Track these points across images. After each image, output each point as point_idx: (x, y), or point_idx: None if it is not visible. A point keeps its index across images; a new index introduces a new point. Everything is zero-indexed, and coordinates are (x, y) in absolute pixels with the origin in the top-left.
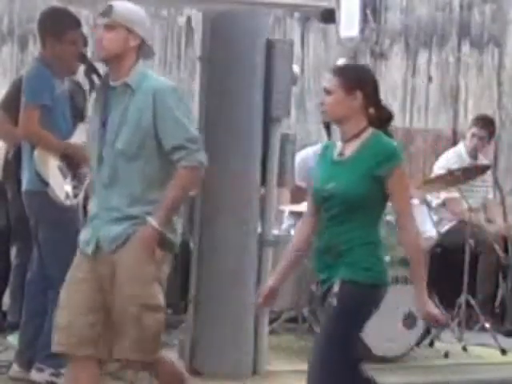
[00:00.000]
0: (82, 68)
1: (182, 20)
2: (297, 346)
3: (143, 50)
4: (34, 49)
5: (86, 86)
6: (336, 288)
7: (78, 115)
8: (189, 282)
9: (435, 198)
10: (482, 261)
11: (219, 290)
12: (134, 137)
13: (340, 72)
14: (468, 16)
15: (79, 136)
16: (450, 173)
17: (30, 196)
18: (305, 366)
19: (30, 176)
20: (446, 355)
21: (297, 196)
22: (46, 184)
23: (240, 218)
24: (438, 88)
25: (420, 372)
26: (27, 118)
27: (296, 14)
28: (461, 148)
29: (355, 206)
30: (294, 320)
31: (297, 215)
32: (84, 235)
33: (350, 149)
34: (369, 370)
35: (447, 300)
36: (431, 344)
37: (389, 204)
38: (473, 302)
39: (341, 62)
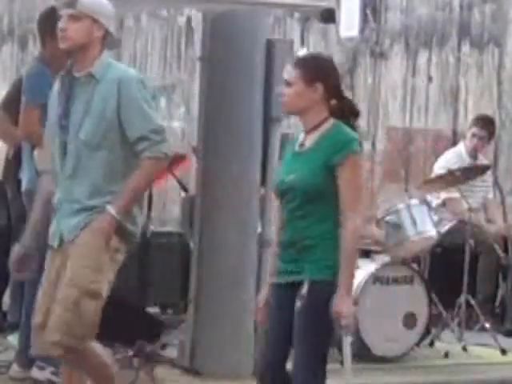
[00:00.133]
0: None
1: (181, 20)
2: None
3: (107, 40)
4: (34, 49)
5: None
6: (304, 290)
7: None
8: (189, 281)
9: (435, 198)
10: (482, 261)
11: (219, 290)
12: (97, 127)
13: (300, 63)
14: (468, 16)
15: None
16: (450, 173)
17: (30, 196)
18: None
19: (30, 176)
20: (446, 355)
21: None
22: None
23: (240, 218)
24: (437, 88)
25: (420, 372)
26: (27, 118)
27: (296, 14)
28: (461, 148)
29: (314, 198)
30: None
31: None
32: (51, 229)
33: (310, 140)
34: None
35: (447, 300)
36: (431, 344)
37: (389, 203)
38: (473, 301)
39: (301, 52)
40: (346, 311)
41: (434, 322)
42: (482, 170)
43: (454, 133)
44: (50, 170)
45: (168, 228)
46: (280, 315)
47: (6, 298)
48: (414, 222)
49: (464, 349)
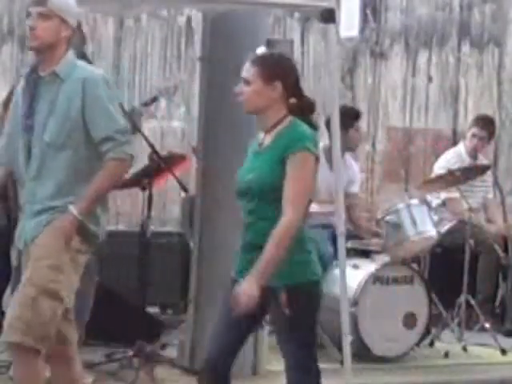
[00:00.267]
0: None
1: (181, 20)
2: None
3: (72, 40)
4: None
5: None
6: (283, 297)
7: None
8: (189, 281)
9: (435, 198)
10: (482, 261)
11: (219, 290)
12: (61, 127)
13: (259, 62)
14: (468, 16)
15: None
16: (450, 173)
17: None
18: None
19: None
20: (446, 355)
21: None
22: None
23: (240, 218)
24: (437, 88)
25: (420, 372)
26: None
27: (296, 14)
28: (461, 148)
29: (273, 197)
30: None
31: None
32: (17, 232)
33: (269, 139)
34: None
35: (447, 300)
36: (431, 344)
37: (389, 203)
38: (473, 301)
39: (260, 51)
40: (248, 292)
41: (434, 322)
42: (482, 170)
43: (454, 133)
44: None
45: (168, 228)
46: (241, 317)
47: (7, 298)
48: (414, 222)
49: (464, 349)
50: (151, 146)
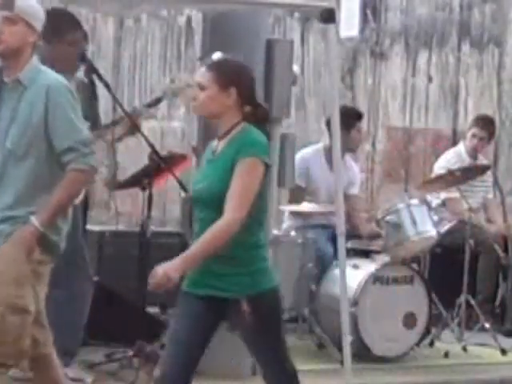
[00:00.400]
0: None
1: (181, 20)
2: (297, 345)
3: (37, 45)
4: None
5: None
6: (245, 307)
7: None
8: None
9: (435, 198)
10: (482, 261)
11: None
12: (23, 134)
13: (215, 67)
14: (468, 16)
15: None
16: (450, 173)
17: None
18: (305, 366)
19: None
20: (446, 355)
21: (297, 196)
22: None
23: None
24: (437, 88)
25: (420, 372)
26: None
27: (296, 14)
28: (461, 148)
29: (223, 205)
30: (294, 320)
31: (297, 215)
32: None
33: (221, 146)
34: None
35: (447, 300)
36: (431, 344)
37: (389, 203)
38: (473, 301)
39: (216, 56)
40: (169, 273)
41: (434, 322)
42: (482, 170)
43: (454, 133)
44: None
45: (168, 228)
46: (190, 325)
47: None
48: (414, 222)
49: (464, 349)
50: (151, 145)
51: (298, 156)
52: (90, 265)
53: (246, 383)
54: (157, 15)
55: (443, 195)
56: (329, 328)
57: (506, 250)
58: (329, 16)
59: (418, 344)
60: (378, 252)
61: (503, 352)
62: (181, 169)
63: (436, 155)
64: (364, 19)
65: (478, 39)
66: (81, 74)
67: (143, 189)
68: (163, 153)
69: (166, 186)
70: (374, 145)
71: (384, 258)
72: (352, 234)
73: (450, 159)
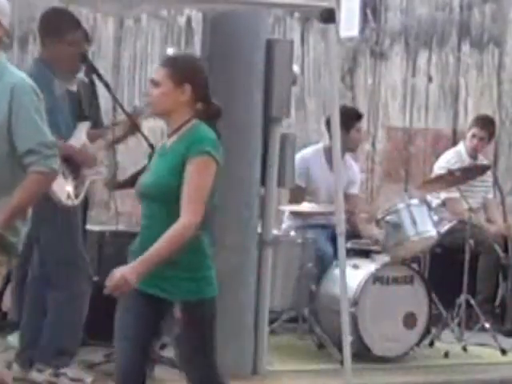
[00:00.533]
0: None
1: (181, 20)
2: (297, 345)
3: (3, 41)
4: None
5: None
6: (178, 312)
7: (82, 115)
8: None
9: (435, 198)
10: (482, 261)
11: (219, 290)
12: None
13: (170, 63)
14: (468, 16)
15: (79, 136)
16: (450, 173)
17: None
18: (305, 366)
19: None
20: (446, 355)
21: (297, 196)
22: None
23: (240, 218)
24: (437, 88)
25: (420, 372)
26: None
27: (296, 14)
28: (461, 148)
29: (171, 201)
30: (294, 320)
31: (297, 215)
32: None
33: (171, 142)
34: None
35: (447, 300)
36: (431, 344)
37: (389, 203)
38: (473, 301)
39: (170, 52)
40: (126, 277)
41: (434, 322)
42: (482, 170)
43: (454, 133)
44: None
45: None
46: (135, 322)
47: (7, 299)
48: (414, 222)
49: (464, 349)
50: (151, 145)
51: (298, 156)
52: (90, 265)
53: (246, 383)
54: (157, 15)
55: (443, 195)
56: (329, 328)
57: (506, 249)
58: (329, 16)
59: (418, 344)
60: (378, 252)
61: (503, 352)
62: None
63: (436, 155)
64: (364, 19)
65: (478, 39)
66: (81, 74)
67: None
68: None
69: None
70: (374, 145)
71: (384, 258)
72: (352, 234)
73: (450, 159)
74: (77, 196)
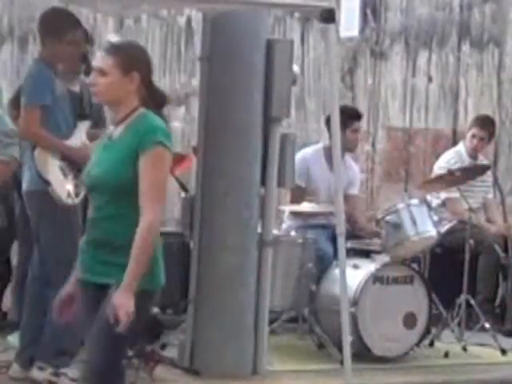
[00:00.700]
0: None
1: (181, 20)
2: (297, 345)
3: None
4: (34, 49)
5: None
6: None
7: (82, 114)
8: (188, 282)
9: (435, 198)
10: (482, 261)
11: (219, 290)
12: None
13: (115, 51)
14: (468, 16)
15: (79, 136)
16: (450, 173)
17: (30, 195)
18: (305, 366)
19: (30, 175)
20: (446, 355)
21: (297, 196)
22: (47, 183)
23: (240, 218)
24: (438, 88)
25: (420, 372)
26: (27, 119)
27: (296, 14)
28: (461, 148)
29: (120, 192)
30: (294, 320)
31: (297, 215)
32: None
33: (118, 131)
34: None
35: (447, 300)
36: (431, 344)
37: (389, 203)
38: (473, 301)
39: (113, 38)
40: (125, 307)
41: (434, 322)
42: (482, 170)
43: (454, 133)
44: None
45: (168, 228)
46: (89, 316)
47: (6, 299)
48: (414, 222)
49: (464, 349)
50: None
51: (298, 156)
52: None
53: (246, 383)
54: (157, 15)
55: (443, 195)
56: (329, 328)
57: (506, 249)
58: (329, 16)
59: (418, 344)
60: (378, 252)
61: (503, 352)
62: (181, 169)
63: (436, 155)
64: (364, 19)
65: (478, 39)
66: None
67: None
68: None
69: (166, 186)
70: (373, 145)
71: (384, 258)
72: (352, 234)
73: (450, 159)
74: (77, 195)
